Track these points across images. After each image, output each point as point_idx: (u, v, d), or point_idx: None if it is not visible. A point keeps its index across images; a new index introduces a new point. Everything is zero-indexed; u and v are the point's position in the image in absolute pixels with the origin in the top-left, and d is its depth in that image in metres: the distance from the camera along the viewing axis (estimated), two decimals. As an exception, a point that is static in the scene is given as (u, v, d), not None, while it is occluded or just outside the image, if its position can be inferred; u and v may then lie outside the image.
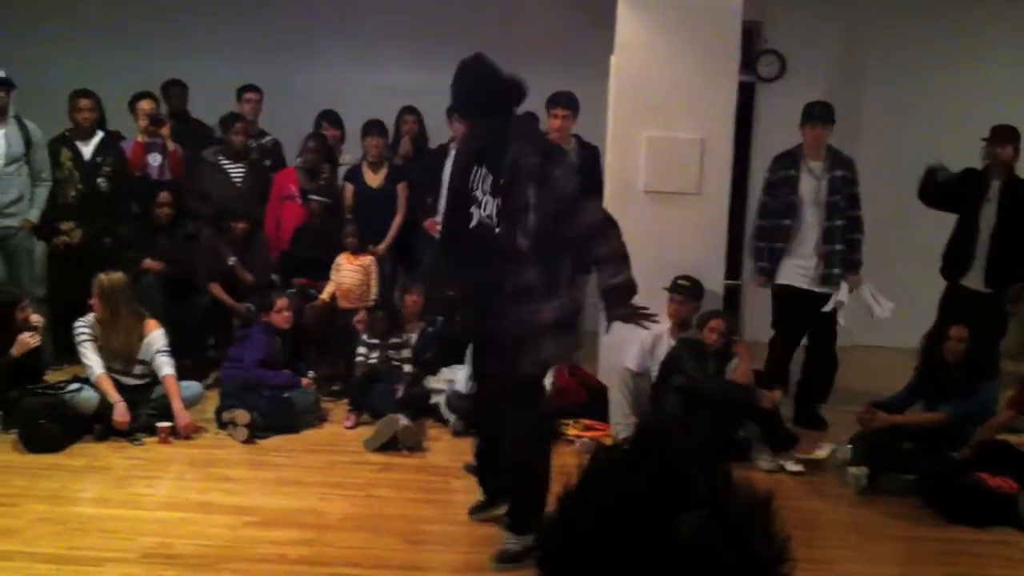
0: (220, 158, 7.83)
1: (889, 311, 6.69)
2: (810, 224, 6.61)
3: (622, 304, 4.42)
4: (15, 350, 6.05)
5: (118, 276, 6.21)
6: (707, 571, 1.04)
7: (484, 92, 4.28)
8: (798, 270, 6.65)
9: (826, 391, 6.91)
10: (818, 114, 6.63)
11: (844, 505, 5.41)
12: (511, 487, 4.57)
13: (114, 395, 5.96)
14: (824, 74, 8.87)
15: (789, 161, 6.69)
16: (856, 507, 5.38)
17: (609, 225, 4.35)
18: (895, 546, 4.99)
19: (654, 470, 1.11)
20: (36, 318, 6.22)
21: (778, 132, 7.69)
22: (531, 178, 4.14)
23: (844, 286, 6.57)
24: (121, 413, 5.91)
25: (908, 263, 7.53)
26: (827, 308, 6.59)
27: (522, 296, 4.18)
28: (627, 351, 6.22)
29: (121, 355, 6.15)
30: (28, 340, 6.08)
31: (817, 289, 6.61)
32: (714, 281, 6.39)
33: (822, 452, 5.94)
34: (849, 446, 5.73)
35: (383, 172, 7.88)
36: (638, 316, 4.43)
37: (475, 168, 4.37)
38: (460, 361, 6.47)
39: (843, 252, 6.57)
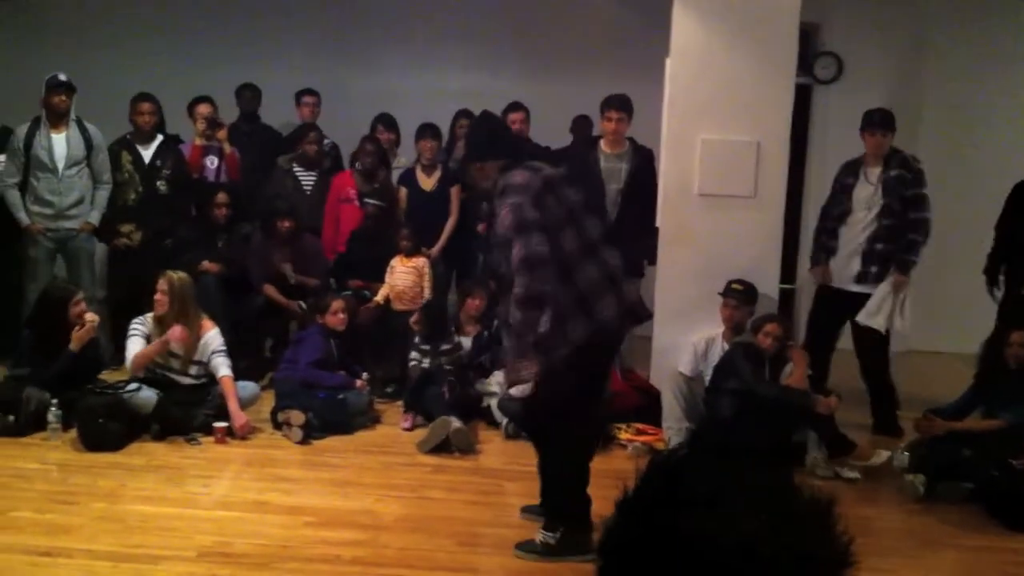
0: (294, 165, 7.95)
1: (906, 330, 6.57)
2: (858, 229, 6.56)
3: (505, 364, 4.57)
4: (73, 345, 6.15)
5: (182, 275, 6.30)
6: (770, 574, 1.04)
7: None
8: (836, 270, 6.64)
9: (892, 399, 6.79)
10: (876, 120, 6.55)
11: (901, 513, 5.35)
12: (542, 483, 4.66)
13: (155, 345, 6.14)
14: (882, 76, 8.77)
15: (852, 168, 6.65)
16: (913, 515, 5.31)
17: (523, 268, 4.20)
18: (954, 555, 4.92)
19: (713, 474, 1.11)
20: (91, 316, 6.30)
21: (834, 135, 7.65)
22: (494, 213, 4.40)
23: (886, 306, 6.46)
24: (176, 333, 6.10)
25: (967, 267, 7.41)
26: (860, 318, 6.49)
27: (505, 324, 4.37)
28: (680, 355, 6.20)
29: (180, 354, 6.23)
30: (82, 333, 6.17)
31: (853, 288, 6.56)
32: (769, 285, 6.34)
33: (878, 459, 5.86)
34: (906, 453, 5.66)
35: (436, 175, 7.92)
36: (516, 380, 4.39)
37: None
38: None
39: (886, 251, 6.47)
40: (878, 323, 6.48)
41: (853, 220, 6.57)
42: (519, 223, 4.18)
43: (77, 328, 6.18)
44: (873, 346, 6.62)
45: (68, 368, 6.15)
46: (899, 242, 6.46)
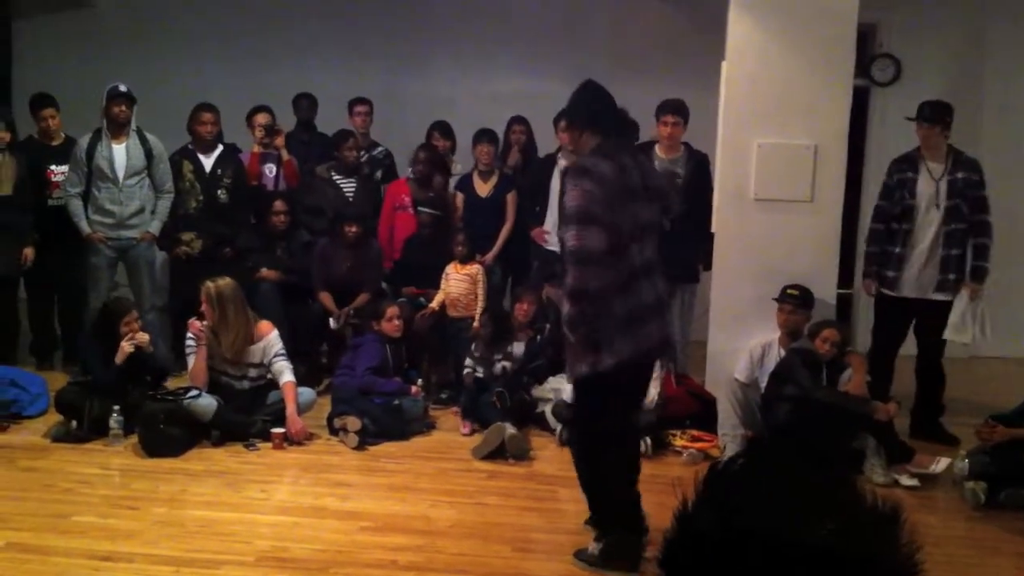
0: (333, 173, 8.00)
1: (988, 342, 6.44)
2: (927, 228, 6.42)
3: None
4: (118, 358, 6.24)
5: (225, 281, 6.33)
6: None
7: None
8: (909, 279, 6.48)
9: (940, 404, 6.67)
10: (926, 114, 6.44)
11: (961, 520, 5.27)
12: (587, 495, 4.59)
13: (197, 357, 6.24)
14: (940, 77, 8.64)
15: (908, 164, 6.52)
16: (974, 522, 5.23)
17: (575, 259, 4.10)
18: (1017, 563, 4.83)
19: (774, 483, 1.10)
20: (141, 336, 6.39)
21: (893, 138, 7.55)
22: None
23: (968, 319, 6.32)
24: (195, 326, 6.24)
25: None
26: (947, 335, 6.37)
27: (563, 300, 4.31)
28: (735, 361, 6.16)
29: (233, 358, 6.30)
30: (124, 346, 6.25)
31: (932, 296, 6.43)
32: (826, 290, 6.28)
33: (938, 466, 5.77)
34: (966, 460, 5.57)
35: (493, 181, 7.94)
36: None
37: None
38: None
39: (961, 257, 6.37)
40: (966, 337, 6.36)
41: (922, 221, 6.42)
42: (584, 212, 4.05)
43: (127, 340, 6.28)
44: (935, 351, 6.52)
45: (114, 381, 6.23)
46: (965, 248, 6.35)
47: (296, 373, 6.52)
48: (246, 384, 6.34)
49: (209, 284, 6.29)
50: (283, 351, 6.36)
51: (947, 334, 6.37)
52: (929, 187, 6.41)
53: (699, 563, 1.09)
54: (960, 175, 6.38)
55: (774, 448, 1.20)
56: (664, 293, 4.39)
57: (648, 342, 4.23)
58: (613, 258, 4.09)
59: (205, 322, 6.27)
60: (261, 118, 7.99)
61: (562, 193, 4.23)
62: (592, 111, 4.42)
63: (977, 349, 6.87)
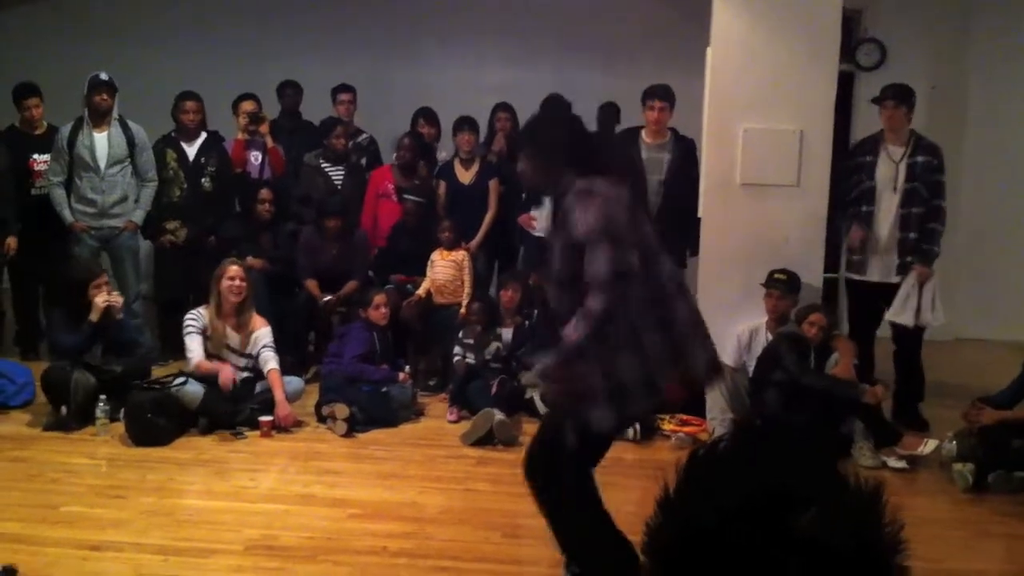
0: (321, 161, 7.97)
1: (939, 322, 6.45)
2: (886, 211, 6.43)
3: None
4: (92, 315, 6.21)
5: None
6: (825, 566, 1.03)
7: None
8: (875, 262, 6.51)
9: (919, 391, 6.67)
10: (890, 94, 6.44)
11: (949, 503, 5.29)
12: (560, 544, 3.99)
13: (215, 366, 6.15)
14: (926, 62, 8.65)
15: (869, 146, 6.53)
16: (962, 505, 5.25)
17: (609, 282, 3.49)
18: (1006, 544, 4.87)
19: (761, 466, 1.10)
20: (116, 296, 6.38)
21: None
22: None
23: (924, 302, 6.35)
24: (227, 375, 6.11)
25: (1014, 254, 7.32)
26: (889, 316, 6.41)
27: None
28: (723, 346, 6.16)
29: (232, 346, 6.29)
30: (98, 302, 6.22)
31: (894, 280, 6.45)
32: (813, 275, 6.30)
33: (926, 449, 5.79)
34: (954, 442, 5.60)
35: (475, 168, 7.91)
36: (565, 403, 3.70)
37: None
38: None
39: (917, 240, 6.38)
40: (906, 319, 6.38)
41: (881, 205, 6.44)
42: (612, 231, 3.51)
43: (102, 298, 6.26)
44: (907, 335, 6.54)
45: (84, 343, 6.21)
46: (922, 230, 6.38)
47: (284, 361, 6.51)
48: (237, 374, 6.32)
49: (238, 261, 6.43)
50: (271, 343, 6.37)
51: (889, 315, 6.41)
52: (889, 170, 6.41)
53: (682, 547, 1.09)
54: (920, 159, 6.38)
55: (758, 431, 1.19)
56: (696, 308, 3.83)
57: (694, 369, 3.68)
58: (643, 276, 3.56)
59: (230, 297, 6.28)
60: (247, 105, 7.96)
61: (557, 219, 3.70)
62: (559, 145, 3.78)
63: (951, 328, 6.87)
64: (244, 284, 6.30)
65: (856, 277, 6.64)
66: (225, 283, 6.25)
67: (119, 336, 6.39)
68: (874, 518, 1.08)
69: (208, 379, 6.18)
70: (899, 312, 6.38)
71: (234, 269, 6.31)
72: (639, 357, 3.52)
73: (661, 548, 1.12)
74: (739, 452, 1.15)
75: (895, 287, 6.44)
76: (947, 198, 6.46)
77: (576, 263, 3.56)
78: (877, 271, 6.53)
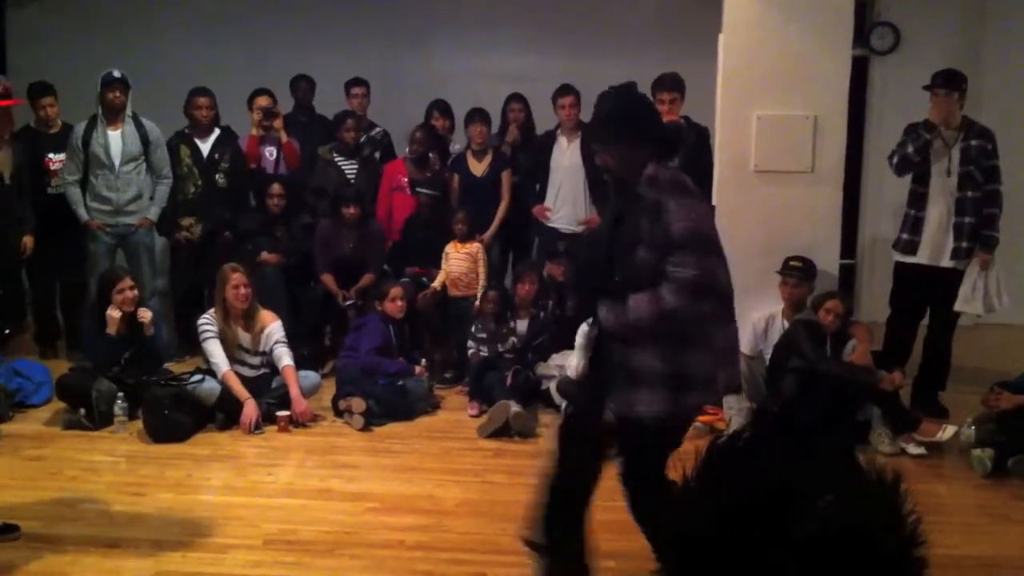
0: (334, 155, 7.97)
1: (1006, 306, 6.40)
2: (939, 194, 6.36)
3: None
4: (109, 327, 6.23)
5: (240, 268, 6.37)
6: (842, 557, 1.02)
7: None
8: (924, 244, 6.43)
9: (942, 379, 6.64)
10: (940, 81, 6.36)
11: (969, 488, 5.27)
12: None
13: (243, 392, 6.08)
14: (941, 45, 8.57)
15: (926, 126, 6.39)
16: (982, 490, 5.23)
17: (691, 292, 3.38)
18: (1025, 530, 4.84)
19: (780, 456, 1.09)
20: (144, 312, 6.37)
21: (893, 106, 7.51)
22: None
23: (979, 291, 6.26)
24: (250, 411, 6.03)
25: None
26: (959, 306, 6.32)
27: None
28: (739, 334, 6.14)
29: (243, 345, 6.30)
30: (111, 313, 6.23)
31: (944, 264, 6.38)
32: (829, 261, 6.26)
33: (945, 434, 5.76)
34: (972, 428, 5.56)
35: (487, 160, 7.89)
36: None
37: None
38: (571, 347, 6.46)
39: (974, 225, 6.31)
40: (977, 308, 6.32)
41: (935, 187, 6.36)
42: (699, 235, 3.43)
43: (113, 309, 6.25)
44: (947, 321, 6.49)
45: (102, 353, 6.23)
46: (979, 217, 6.30)
47: (300, 355, 6.52)
48: (250, 372, 6.32)
49: (238, 267, 6.36)
50: (284, 339, 6.36)
51: (958, 305, 6.34)
52: (943, 153, 6.35)
53: (702, 539, 1.07)
54: (974, 142, 6.31)
55: (777, 420, 1.18)
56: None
57: (736, 379, 3.77)
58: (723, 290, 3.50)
59: (236, 304, 6.25)
60: (262, 100, 7.96)
61: (636, 207, 3.50)
62: (643, 132, 3.62)
63: (986, 318, 6.83)
64: (248, 289, 6.28)
65: (905, 259, 6.54)
66: (230, 292, 6.23)
67: (148, 348, 6.40)
68: (892, 508, 1.07)
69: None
70: (968, 300, 6.30)
71: (236, 276, 6.26)
72: (709, 353, 3.48)
73: (680, 537, 1.11)
74: (759, 441, 1.14)
75: (945, 272, 6.36)
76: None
77: (650, 264, 3.42)
78: (927, 253, 6.43)
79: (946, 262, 6.36)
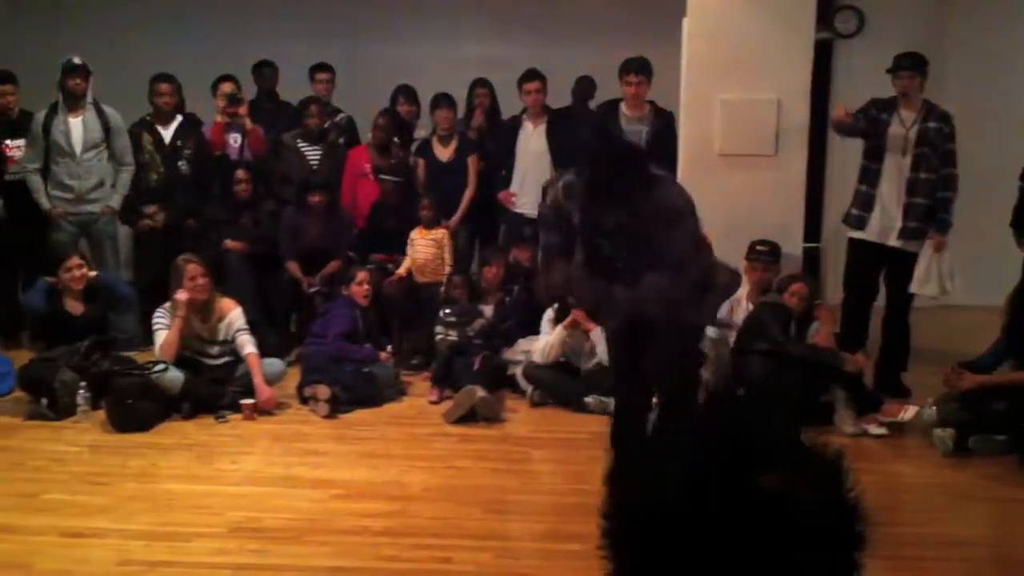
0: (299, 141, 7.92)
1: (956, 289, 6.44)
2: (891, 173, 6.38)
3: None
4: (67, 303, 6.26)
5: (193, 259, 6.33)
6: (788, 529, 1.02)
7: None
8: (874, 220, 6.45)
9: (903, 359, 6.68)
10: (906, 64, 6.39)
11: (931, 467, 5.31)
12: None
13: (173, 327, 6.14)
14: (905, 28, 8.61)
15: (884, 105, 6.41)
16: (944, 469, 5.27)
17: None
18: (988, 507, 4.90)
19: (727, 431, 1.09)
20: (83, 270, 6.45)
21: (858, 89, 7.52)
22: None
23: (933, 274, 6.32)
24: (182, 296, 6.13)
25: (990, 220, 7.32)
26: (913, 288, 6.37)
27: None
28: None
29: (202, 336, 6.26)
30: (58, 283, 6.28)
31: (891, 243, 6.41)
32: (793, 244, 6.31)
33: (907, 415, 5.81)
34: (934, 408, 5.61)
35: (453, 145, 7.87)
36: None
37: None
38: (537, 331, 6.48)
39: (925, 208, 6.35)
40: (931, 290, 6.35)
41: (887, 164, 6.37)
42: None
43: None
44: (901, 302, 6.53)
45: (72, 335, 6.22)
46: (933, 199, 6.34)
47: (267, 343, 6.49)
48: (213, 360, 6.29)
49: (193, 258, 6.30)
50: (245, 326, 6.31)
51: (913, 287, 6.38)
52: (900, 132, 6.37)
53: (647, 514, 1.07)
54: (932, 124, 6.33)
55: (723, 400, 1.18)
56: None
57: None
58: None
59: (184, 295, 6.19)
60: (226, 86, 7.91)
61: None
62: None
63: (946, 300, 6.90)
64: (206, 279, 6.23)
65: (855, 235, 6.55)
66: (188, 285, 6.19)
67: (111, 295, 6.48)
68: (836, 483, 1.07)
69: (188, 365, 6.16)
70: (924, 283, 6.33)
71: (191, 268, 6.21)
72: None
73: (622, 514, 1.10)
74: (703, 419, 1.14)
75: (896, 252, 6.39)
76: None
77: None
78: (875, 231, 6.44)
79: (894, 241, 6.39)
